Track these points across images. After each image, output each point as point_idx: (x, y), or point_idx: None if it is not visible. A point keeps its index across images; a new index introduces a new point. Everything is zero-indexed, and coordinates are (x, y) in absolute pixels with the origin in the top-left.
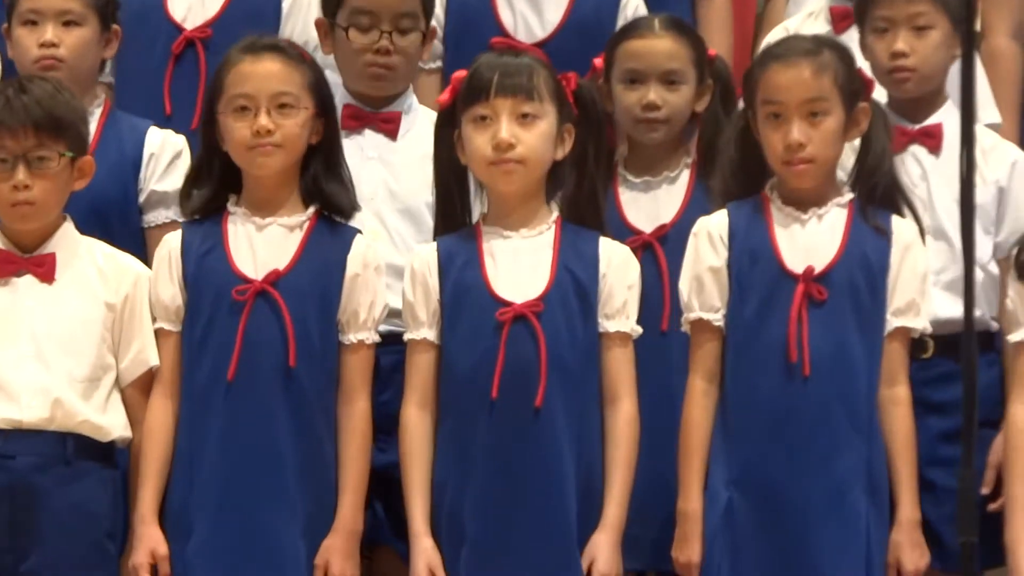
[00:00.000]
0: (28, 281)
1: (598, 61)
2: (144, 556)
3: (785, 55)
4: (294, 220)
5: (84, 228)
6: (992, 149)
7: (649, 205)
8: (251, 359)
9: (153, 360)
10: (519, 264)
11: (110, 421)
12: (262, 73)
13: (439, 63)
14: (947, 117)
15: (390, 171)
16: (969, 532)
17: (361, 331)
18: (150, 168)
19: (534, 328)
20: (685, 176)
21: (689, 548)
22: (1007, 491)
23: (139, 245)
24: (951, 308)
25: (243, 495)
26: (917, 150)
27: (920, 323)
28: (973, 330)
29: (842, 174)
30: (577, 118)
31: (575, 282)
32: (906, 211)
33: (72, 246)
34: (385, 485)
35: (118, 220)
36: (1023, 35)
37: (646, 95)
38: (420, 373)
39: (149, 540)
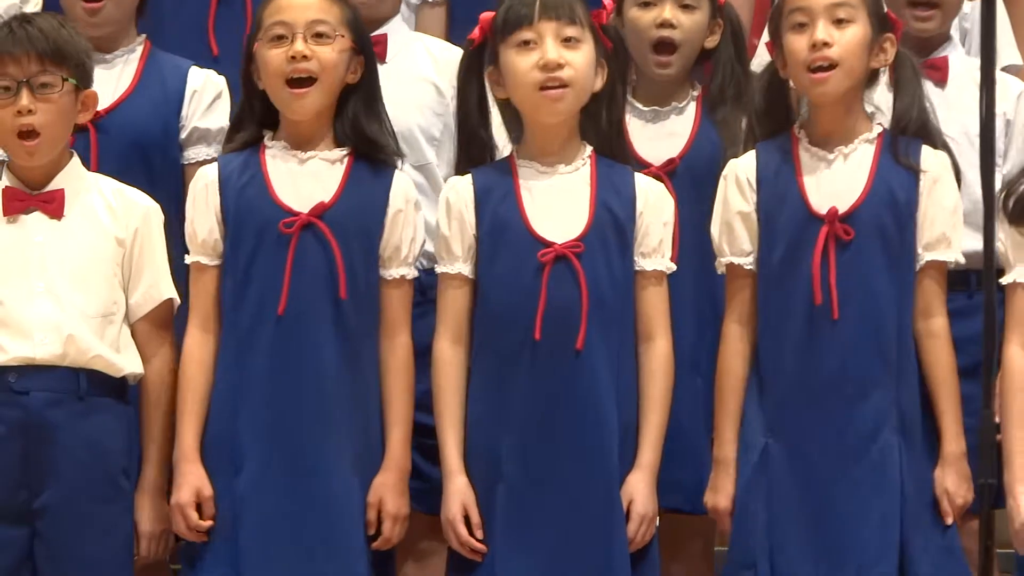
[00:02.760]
0: (37, 218)
1: (608, 2)
2: (189, 495)
3: None
4: (334, 155)
5: (125, 163)
6: (997, 81)
7: (657, 135)
8: (299, 292)
9: (166, 293)
10: (557, 201)
11: (122, 357)
12: (299, 3)
13: None
14: (952, 51)
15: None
16: (988, 474)
17: (402, 266)
18: (192, 105)
19: (575, 269)
20: (692, 107)
21: (721, 495)
22: (1004, 433)
23: (179, 181)
24: (966, 241)
25: (294, 430)
26: (924, 84)
27: (952, 255)
28: (993, 267)
29: (870, 108)
30: (609, 53)
31: (613, 219)
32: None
33: (80, 182)
34: None
35: (159, 156)
36: None
37: (661, 13)
38: (454, 308)
39: (194, 479)
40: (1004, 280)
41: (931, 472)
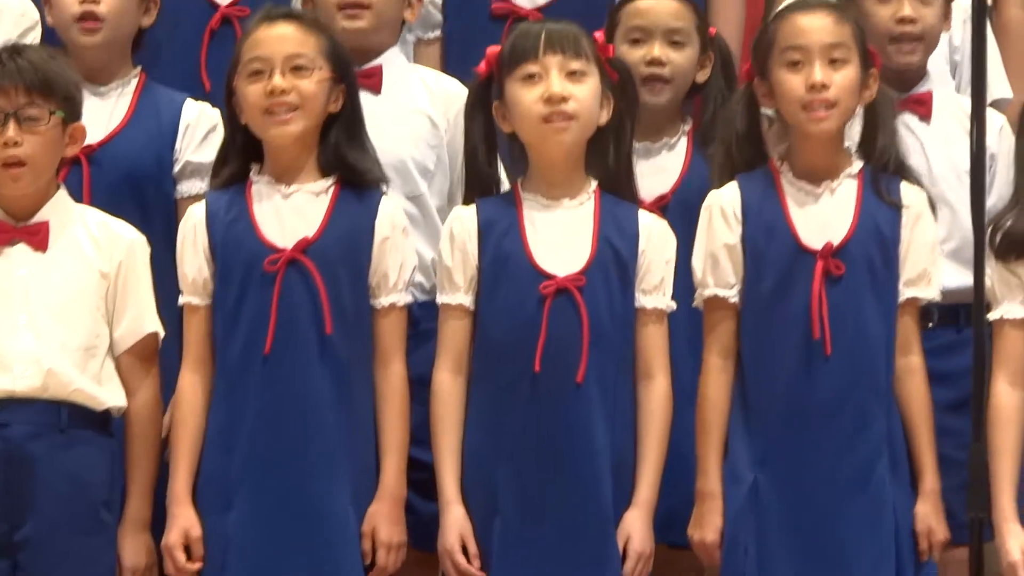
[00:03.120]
0: (21, 250)
1: (599, 35)
2: (178, 537)
3: (807, 4)
4: (319, 186)
5: (118, 196)
6: None
7: (649, 170)
8: (287, 330)
9: (150, 327)
10: (560, 234)
11: (104, 390)
12: (276, 37)
13: (438, 32)
14: (934, 86)
15: (374, 125)
16: (979, 507)
17: (392, 294)
18: (186, 139)
19: (576, 302)
20: (683, 143)
21: (707, 528)
22: (992, 468)
23: (172, 215)
24: (956, 277)
25: (288, 467)
26: (908, 119)
27: (931, 292)
28: (983, 302)
29: (848, 143)
30: (615, 85)
31: (615, 255)
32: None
33: (66, 214)
34: None
35: (152, 189)
36: None
37: (651, 51)
38: (454, 338)
39: (184, 520)
40: (991, 316)
41: (913, 505)
